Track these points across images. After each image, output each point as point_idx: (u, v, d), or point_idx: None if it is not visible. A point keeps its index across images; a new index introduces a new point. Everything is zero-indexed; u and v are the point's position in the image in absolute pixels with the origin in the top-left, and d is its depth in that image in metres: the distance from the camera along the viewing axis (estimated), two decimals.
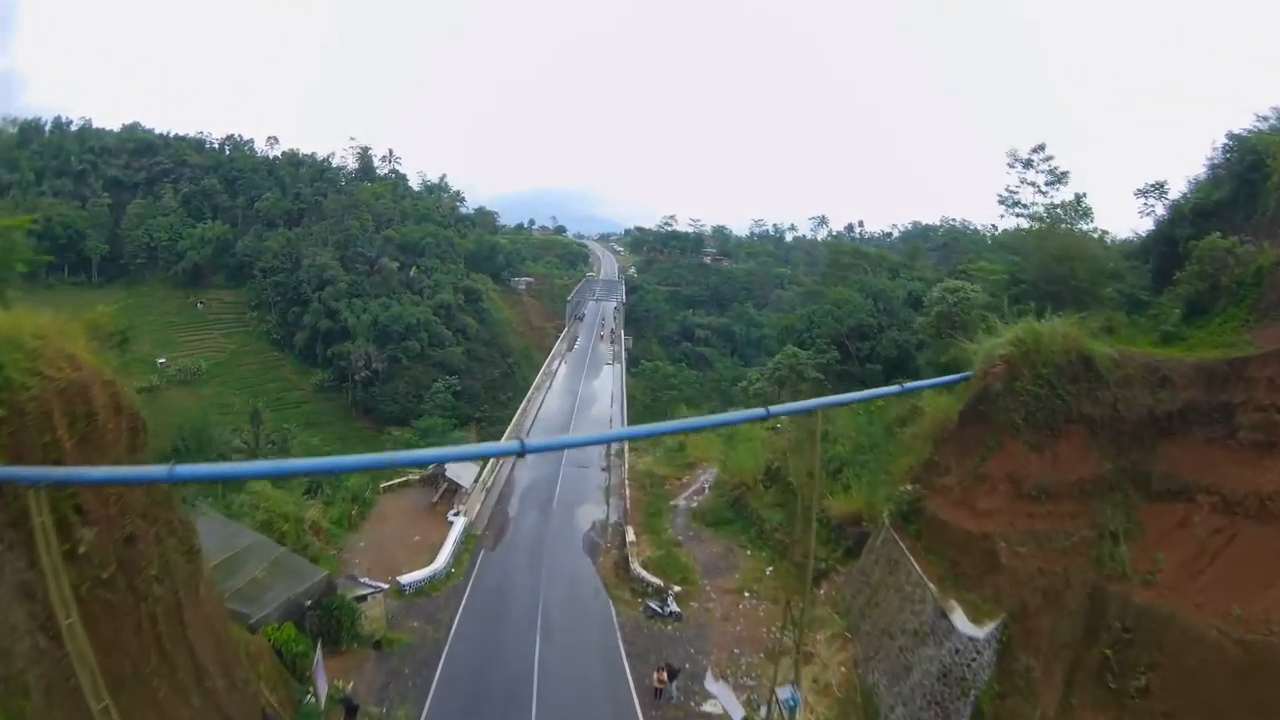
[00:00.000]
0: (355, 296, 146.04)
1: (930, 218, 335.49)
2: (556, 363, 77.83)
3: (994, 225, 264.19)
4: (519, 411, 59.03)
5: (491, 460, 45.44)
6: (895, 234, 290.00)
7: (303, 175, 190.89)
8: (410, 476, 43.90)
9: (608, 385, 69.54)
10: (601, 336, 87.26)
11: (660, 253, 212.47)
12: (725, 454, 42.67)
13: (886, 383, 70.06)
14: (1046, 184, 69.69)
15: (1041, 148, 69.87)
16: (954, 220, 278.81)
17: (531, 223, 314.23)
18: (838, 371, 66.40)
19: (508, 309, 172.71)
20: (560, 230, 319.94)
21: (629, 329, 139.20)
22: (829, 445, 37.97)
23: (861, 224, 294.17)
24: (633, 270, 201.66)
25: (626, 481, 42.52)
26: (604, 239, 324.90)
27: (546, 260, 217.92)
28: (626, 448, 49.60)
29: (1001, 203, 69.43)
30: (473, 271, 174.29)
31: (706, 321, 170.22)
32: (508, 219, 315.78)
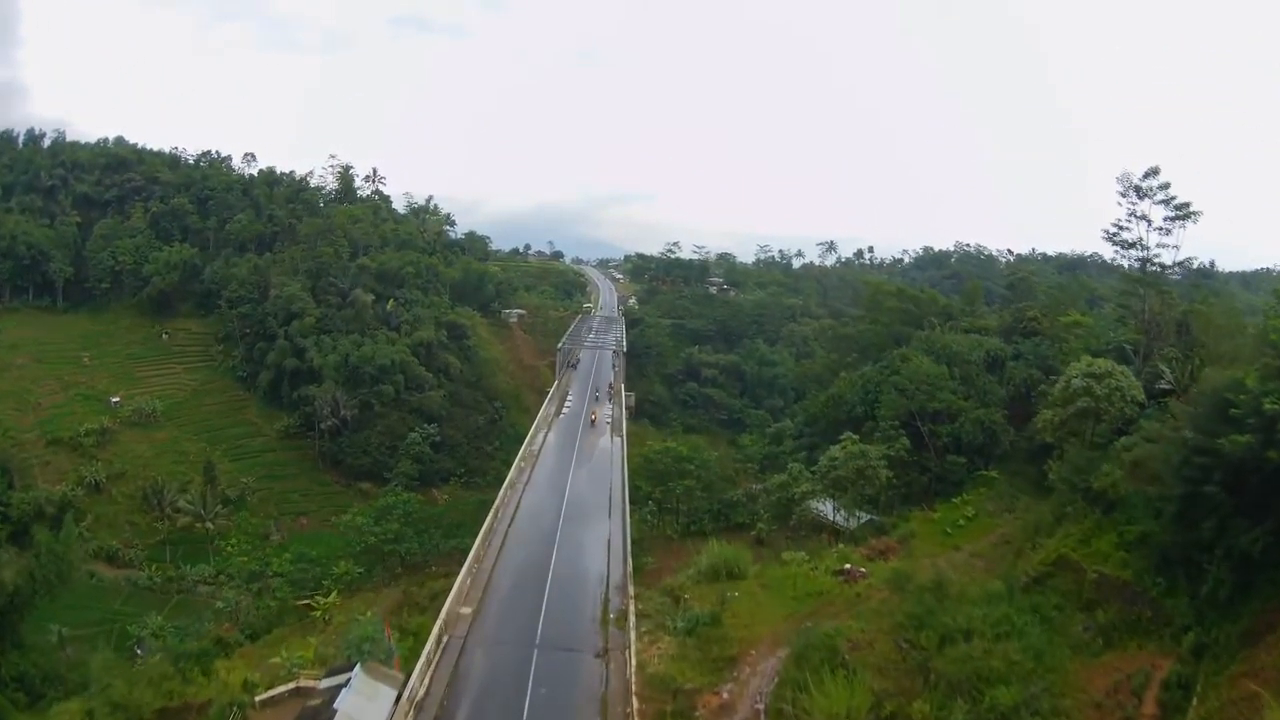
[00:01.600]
0: (324, 333, 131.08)
1: (942, 242, 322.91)
2: (542, 436, 61.89)
3: (1009, 251, 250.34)
4: (484, 530, 43.04)
5: (431, 642, 29.78)
6: (906, 259, 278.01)
7: (277, 195, 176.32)
8: (302, 681, 28.56)
9: (605, 473, 53.64)
10: (596, 404, 71.02)
11: (663, 281, 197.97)
12: (793, 654, 27.33)
13: (969, 476, 55.95)
14: (1167, 219, 55.57)
15: (1155, 172, 55.61)
16: (968, 246, 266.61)
17: (527, 247, 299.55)
18: (905, 460, 51.73)
19: (497, 345, 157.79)
20: (557, 255, 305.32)
21: (630, 368, 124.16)
22: (974, 676, 22.66)
23: (871, 250, 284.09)
24: (633, 300, 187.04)
25: (634, 698, 26.68)
26: (603, 265, 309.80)
27: (541, 289, 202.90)
28: (632, 613, 33.42)
29: (1110, 240, 55.57)
30: (459, 304, 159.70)
31: (714, 359, 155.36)
32: (505, 242, 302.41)
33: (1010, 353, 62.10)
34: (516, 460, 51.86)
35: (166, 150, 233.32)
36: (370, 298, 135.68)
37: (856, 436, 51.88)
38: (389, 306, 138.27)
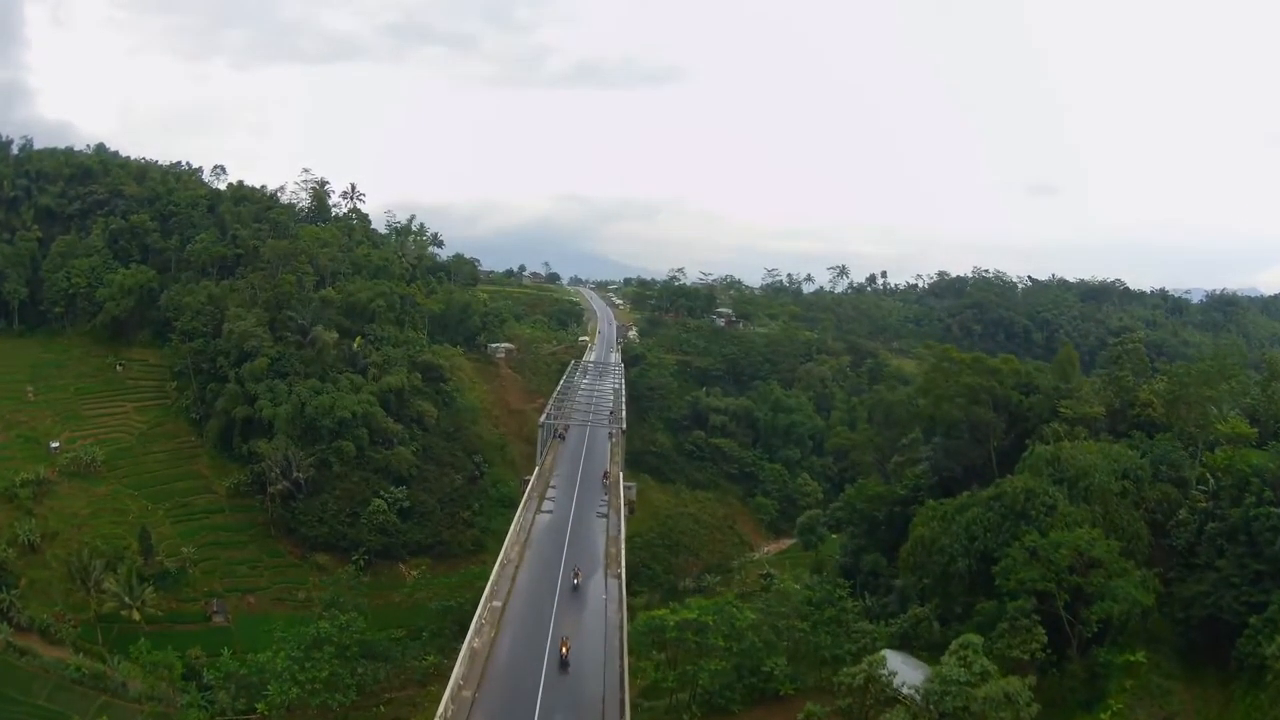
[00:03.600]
0: (281, 376, 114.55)
1: (959, 268, 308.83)
2: (509, 584, 44.22)
3: (1030, 278, 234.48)
4: None
5: None
6: (922, 285, 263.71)
7: (243, 214, 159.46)
8: None
9: (596, 666, 35.55)
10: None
11: (667, 312, 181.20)
12: None
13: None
14: None
15: None
16: (986, 271, 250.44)
17: (521, 269, 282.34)
18: (1039, 659, 35.48)
19: (481, 385, 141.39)
20: (553, 278, 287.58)
21: (630, 412, 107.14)
22: None
23: (885, 275, 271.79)
24: (633, 332, 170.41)
25: None
26: (601, 287, 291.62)
27: (533, 319, 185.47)
28: None
29: None
30: (440, 338, 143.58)
31: (723, 404, 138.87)
32: (502, 260, 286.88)
33: (1146, 466, 46.38)
34: (468, 640, 35.07)
35: (144, 159, 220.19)
36: (333, 335, 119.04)
37: (978, 641, 35.38)
38: (355, 346, 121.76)
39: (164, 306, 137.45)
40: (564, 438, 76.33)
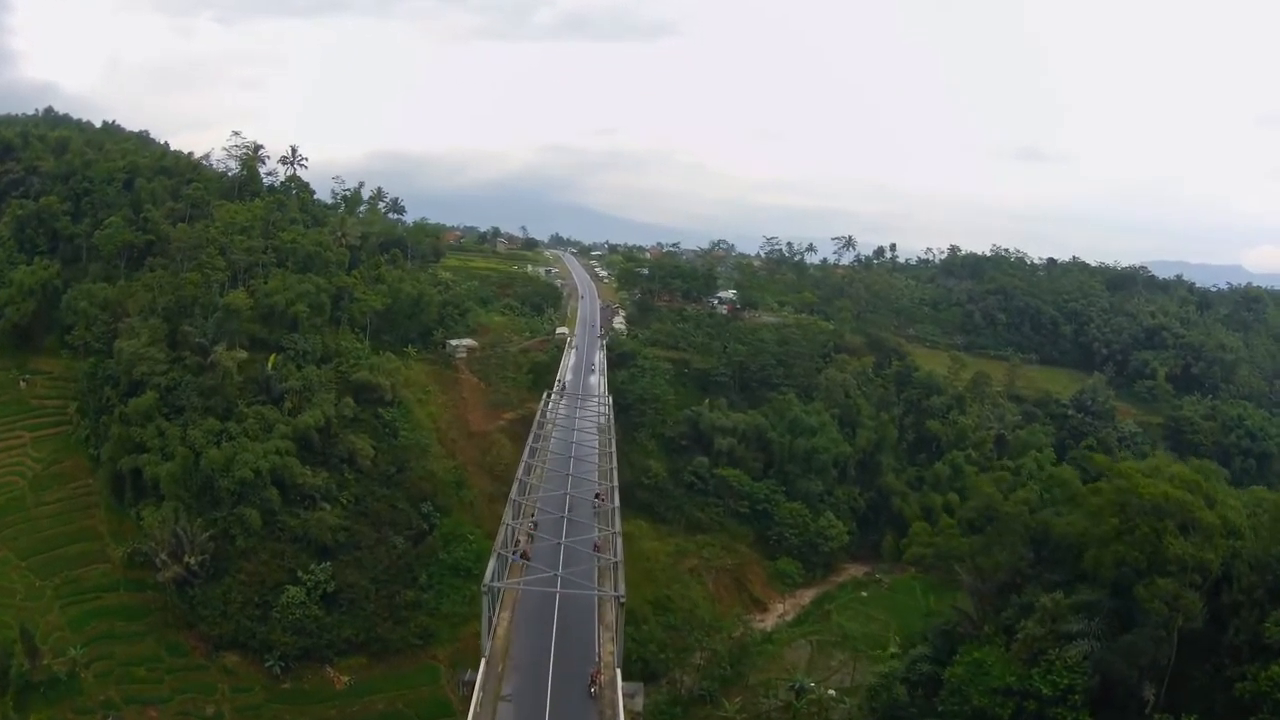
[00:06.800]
0: (175, 412, 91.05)
1: (952, 229, 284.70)
2: None
3: (1051, 259, 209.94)
4: None
5: None
6: (934, 260, 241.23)
7: (159, 189, 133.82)
8: None
9: None
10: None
11: (660, 295, 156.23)
12: None
13: None
14: None
15: None
16: (1006, 250, 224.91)
17: (495, 232, 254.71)
18: None
19: (438, 394, 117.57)
20: (531, 244, 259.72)
21: (616, 427, 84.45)
22: None
23: (894, 248, 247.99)
24: (620, 321, 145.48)
25: None
26: (584, 253, 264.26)
27: (503, 302, 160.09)
28: None
29: None
30: (386, 337, 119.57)
31: (730, 423, 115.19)
32: (483, 216, 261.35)
33: None
34: None
35: (82, 120, 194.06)
36: (240, 356, 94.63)
37: None
38: (269, 367, 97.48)
39: (64, 309, 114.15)
40: (527, 561, 52.44)
